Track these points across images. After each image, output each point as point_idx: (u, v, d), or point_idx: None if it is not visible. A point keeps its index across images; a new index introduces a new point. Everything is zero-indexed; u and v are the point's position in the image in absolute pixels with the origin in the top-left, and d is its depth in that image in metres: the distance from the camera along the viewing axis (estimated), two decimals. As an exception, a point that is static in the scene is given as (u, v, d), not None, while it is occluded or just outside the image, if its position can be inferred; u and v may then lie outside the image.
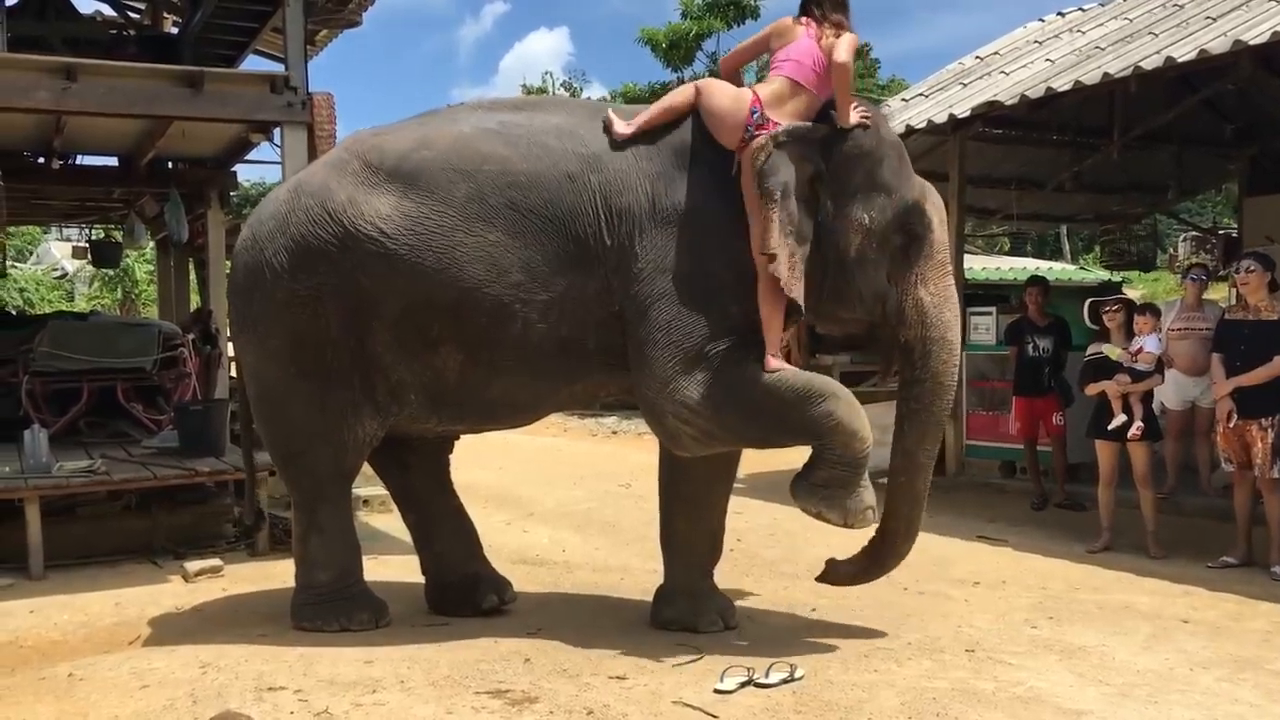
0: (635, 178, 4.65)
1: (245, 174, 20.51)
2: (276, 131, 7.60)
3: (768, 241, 4.41)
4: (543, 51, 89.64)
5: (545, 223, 4.61)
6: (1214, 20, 7.56)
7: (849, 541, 6.67)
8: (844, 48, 4.61)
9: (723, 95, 4.69)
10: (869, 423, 4.60)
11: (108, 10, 10.05)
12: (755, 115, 4.55)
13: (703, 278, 4.56)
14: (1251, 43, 6.56)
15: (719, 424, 4.55)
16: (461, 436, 5.52)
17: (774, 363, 4.52)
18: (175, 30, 9.96)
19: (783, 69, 4.69)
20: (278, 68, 8.37)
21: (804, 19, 4.77)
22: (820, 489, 4.54)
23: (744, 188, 4.55)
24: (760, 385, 4.49)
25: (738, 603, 5.32)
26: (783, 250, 4.43)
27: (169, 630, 5.29)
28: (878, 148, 4.66)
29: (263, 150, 8.73)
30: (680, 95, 4.80)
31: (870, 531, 4.85)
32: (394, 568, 6.12)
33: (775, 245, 4.40)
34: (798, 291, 4.49)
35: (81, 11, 9.58)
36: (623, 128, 4.71)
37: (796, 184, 4.53)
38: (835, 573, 5.09)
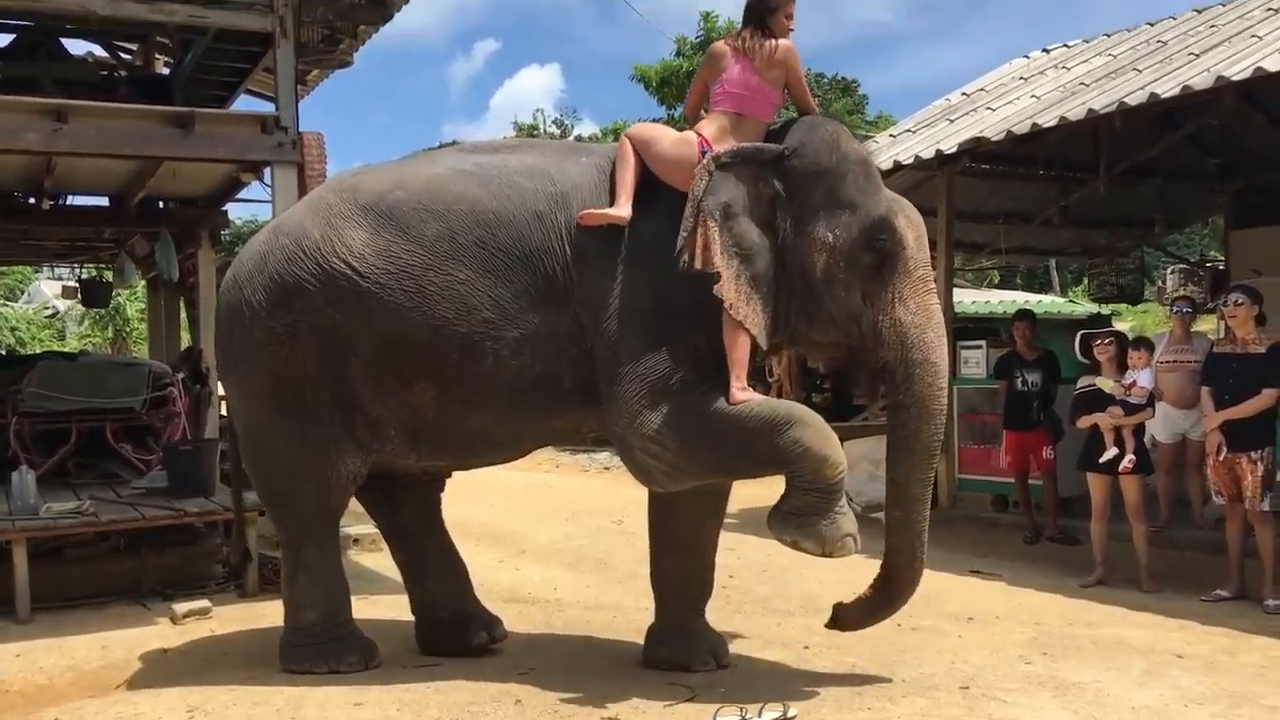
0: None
1: (237, 212, 20.57)
2: (267, 171, 7.63)
3: (708, 260, 4.35)
4: (534, 88, 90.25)
5: (514, 260, 4.62)
6: (1197, 56, 7.65)
7: (842, 576, 6.63)
8: (781, 54, 4.62)
9: (666, 143, 4.66)
10: (843, 449, 4.52)
11: (99, 51, 10.07)
12: (706, 155, 4.51)
13: (668, 311, 4.53)
14: (1234, 79, 6.64)
15: (687, 457, 4.49)
16: (452, 473, 5.51)
17: (739, 394, 4.41)
18: (167, 71, 10.00)
19: (721, 103, 4.69)
20: (269, 107, 8.40)
21: (733, 40, 4.75)
22: (795, 517, 4.42)
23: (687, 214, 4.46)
24: (726, 416, 4.41)
25: (730, 641, 5.28)
26: (726, 270, 4.37)
27: (156, 673, 5.24)
28: (839, 164, 4.54)
29: (254, 188, 8.77)
30: (627, 154, 4.66)
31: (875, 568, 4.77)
32: (384, 607, 6.08)
33: (717, 264, 4.34)
34: (745, 313, 4.40)
35: (73, 53, 9.61)
36: (621, 214, 4.58)
37: (749, 204, 4.49)
38: (844, 617, 4.95)
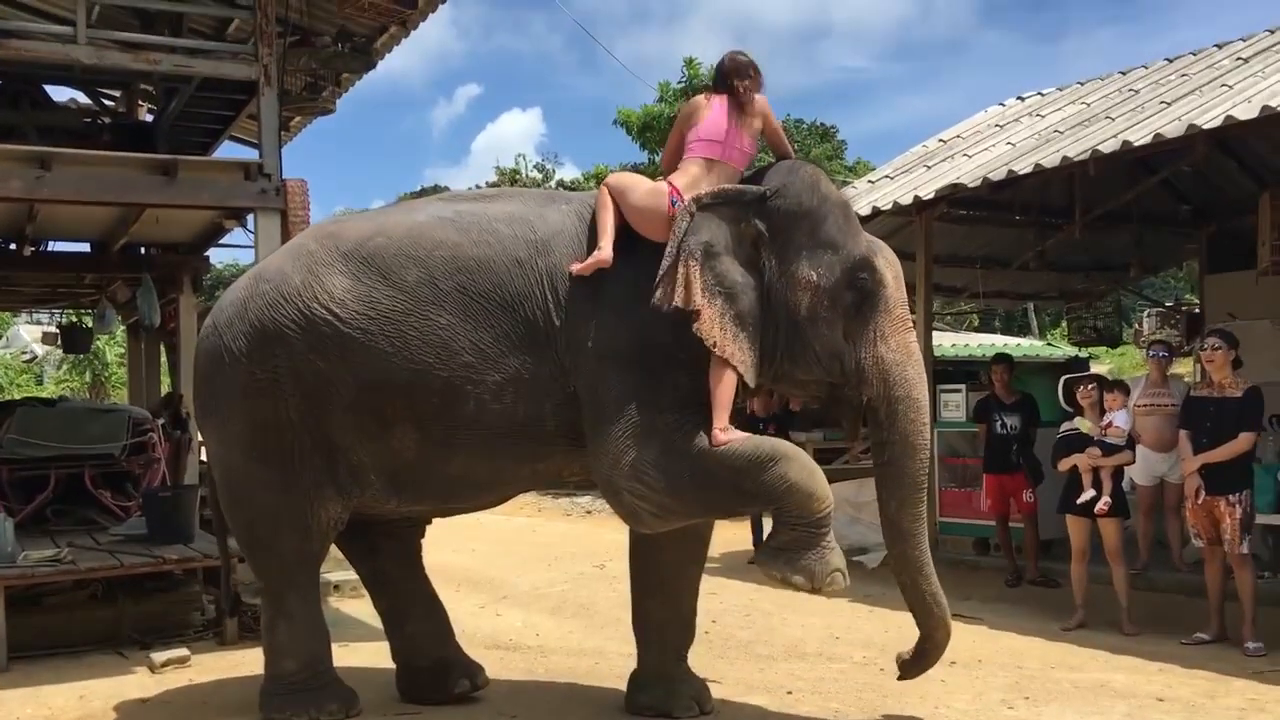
0: (582, 257, 4.66)
1: (218, 256, 20.58)
2: (250, 217, 7.65)
3: (689, 298, 4.38)
4: (515, 132, 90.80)
5: (495, 306, 4.64)
6: (1168, 105, 7.79)
7: (825, 620, 6.64)
8: (759, 105, 4.74)
9: (638, 193, 4.70)
10: (829, 486, 4.53)
11: (82, 98, 10.12)
12: (676, 204, 4.57)
13: (651, 352, 4.55)
14: (1205, 127, 6.75)
15: (674, 497, 4.49)
16: (432, 519, 5.50)
17: (722, 435, 4.43)
18: (150, 118, 10.04)
19: (694, 151, 4.73)
20: (253, 153, 8.44)
21: (714, 95, 4.83)
22: (783, 553, 4.43)
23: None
24: (712, 455, 4.42)
25: (713, 686, 5.26)
26: (709, 309, 4.41)
27: (134, 723, 5.19)
28: (820, 205, 4.61)
29: (237, 233, 8.79)
30: (606, 200, 4.72)
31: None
32: (365, 654, 6.04)
33: (698, 302, 4.38)
34: (731, 351, 4.44)
35: (56, 100, 9.65)
36: (603, 255, 4.60)
37: (732, 244, 4.54)
38: (905, 668, 4.93)
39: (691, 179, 4.66)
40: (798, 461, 4.47)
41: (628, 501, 4.55)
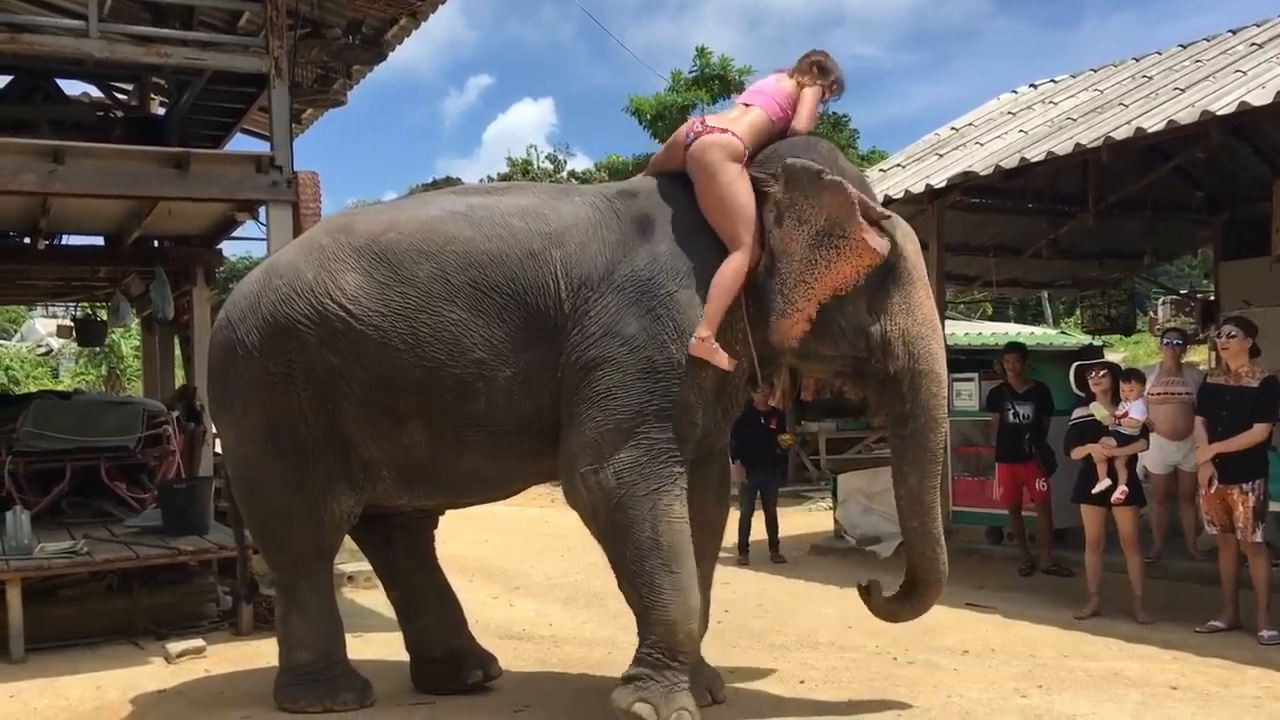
0: (595, 246, 4.68)
1: (231, 249, 20.61)
2: (262, 209, 7.67)
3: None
4: (527, 122, 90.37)
5: (507, 299, 4.62)
6: (1182, 91, 7.73)
7: (838, 610, 6.64)
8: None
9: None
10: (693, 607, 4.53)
11: (95, 92, 10.16)
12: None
13: (651, 349, 4.52)
14: (1219, 113, 6.70)
15: (608, 519, 4.52)
16: (445, 511, 5.52)
17: (702, 341, 4.46)
18: (162, 111, 10.07)
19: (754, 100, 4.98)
20: (264, 146, 8.46)
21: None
22: (634, 682, 4.48)
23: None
24: (650, 517, 4.43)
25: (726, 676, 5.27)
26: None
27: (150, 713, 5.24)
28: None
29: (249, 226, 8.81)
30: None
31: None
32: (378, 645, 6.07)
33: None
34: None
35: (68, 94, 9.68)
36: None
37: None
38: (872, 599, 5.08)
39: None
40: (692, 594, 4.51)
41: (584, 503, 4.60)
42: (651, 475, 4.47)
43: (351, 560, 7.52)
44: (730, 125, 4.79)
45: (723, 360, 4.52)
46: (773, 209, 4.65)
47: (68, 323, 16.74)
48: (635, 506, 4.45)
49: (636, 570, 4.48)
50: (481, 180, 29.71)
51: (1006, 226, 11.05)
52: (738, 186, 4.63)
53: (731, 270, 4.55)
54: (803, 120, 4.98)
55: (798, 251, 4.56)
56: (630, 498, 4.45)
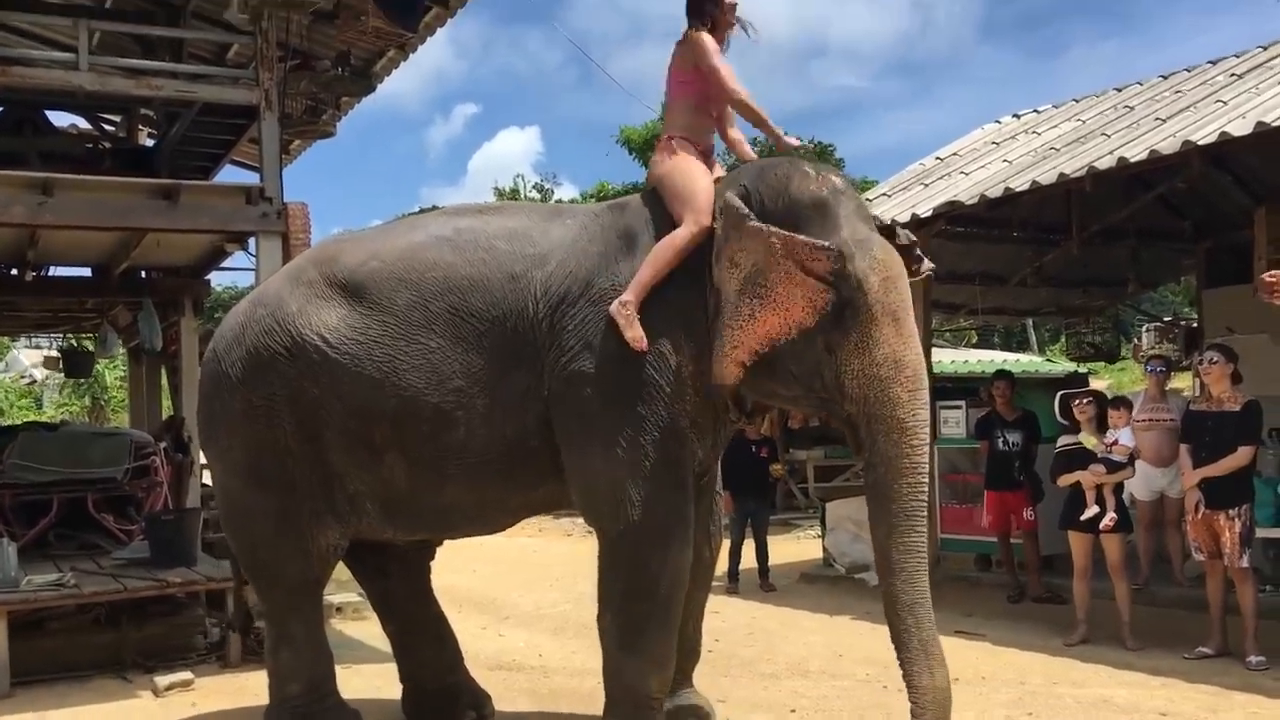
0: (576, 261, 4.57)
1: (218, 279, 20.63)
2: (252, 240, 7.68)
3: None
4: (513, 151, 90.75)
5: (487, 324, 4.54)
6: (1163, 121, 7.83)
7: (827, 639, 6.65)
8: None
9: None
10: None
11: (83, 124, 10.18)
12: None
13: (629, 369, 4.39)
14: (1200, 143, 6.79)
15: (621, 530, 4.48)
16: (443, 542, 5.50)
17: (626, 307, 4.32)
18: (151, 142, 10.09)
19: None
20: (254, 176, 8.49)
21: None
22: None
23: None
24: (650, 560, 4.41)
25: (717, 704, 5.27)
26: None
27: (139, 748, 5.20)
28: (789, 210, 4.27)
29: (238, 256, 8.83)
30: None
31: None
32: (368, 677, 6.05)
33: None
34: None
35: (58, 125, 9.70)
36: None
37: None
38: None
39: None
40: (670, 646, 4.51)
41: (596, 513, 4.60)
42: (659, 512, 4.40)
43: (340, 591, 7.48)
44: (664, 130, 4.83)
45: (638, 334, 4.31)
46: (715, 244, 4.37)
47: (53, 353, 16.71)
48: (644, 546, 4.43)
49: (620, 605, 4.50)
50: (469, 209, 29.66)
51: (992, 255, 11.12)
52: (675, 168, 4.57)
53: (667, 242, 4.40)
54: (709, 65, 4.61)
55: (730, 296, 4.21)
56: (641, 538, 4.42)
